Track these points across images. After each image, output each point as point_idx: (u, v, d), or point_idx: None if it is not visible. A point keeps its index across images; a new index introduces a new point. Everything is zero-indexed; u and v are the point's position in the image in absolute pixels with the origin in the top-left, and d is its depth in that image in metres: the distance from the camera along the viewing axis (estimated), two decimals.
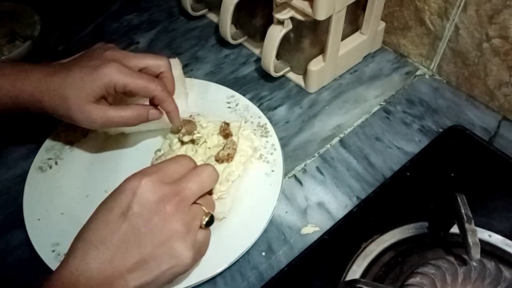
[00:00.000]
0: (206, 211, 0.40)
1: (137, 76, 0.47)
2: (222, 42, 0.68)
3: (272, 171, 0.52)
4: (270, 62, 0.59)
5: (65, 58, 0.66)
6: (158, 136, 0.56)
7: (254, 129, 0.56)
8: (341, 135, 0.58)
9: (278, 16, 0.54)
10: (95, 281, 0.35)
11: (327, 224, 0.49)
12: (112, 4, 0.76)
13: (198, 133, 0.52)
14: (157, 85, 0.48)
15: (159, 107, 0.50)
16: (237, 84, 0.63)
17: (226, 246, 0.46)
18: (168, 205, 0.37)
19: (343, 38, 0.60)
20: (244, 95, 0.60)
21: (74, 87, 0.45)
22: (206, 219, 0.39)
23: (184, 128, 0.52)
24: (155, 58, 0.50)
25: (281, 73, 0.63)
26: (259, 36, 0.65)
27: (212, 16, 0.73)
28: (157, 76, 0.50)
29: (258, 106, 0.59)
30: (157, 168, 0.39)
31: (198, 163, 0.51)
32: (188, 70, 0.66)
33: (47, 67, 0.47)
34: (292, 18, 0.55)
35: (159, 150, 0.53)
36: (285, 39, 0.57)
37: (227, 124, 0.54)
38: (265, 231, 0.48)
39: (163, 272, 0.37)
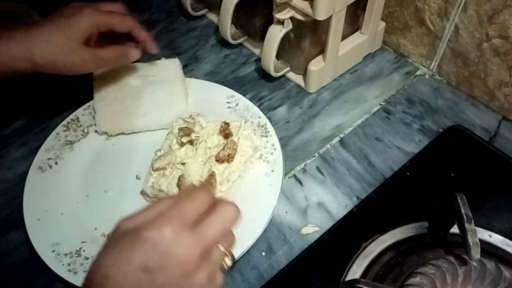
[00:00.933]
0: (227, 252, 0.38)
1: (113, 14, 0.53)
2: (222, 42, 0.68)
3: (272, 171, 0.52)
4: (270, 62, 0.59)
5: None
6: (158, 136, 0.56)
7: (254, 129, 0.56)
8: (341, 135, 0.58)
9: (278, 16, 0.54)
10: None
11: (327, 224, 0.49)
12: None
13: (197, 133, 0.52)
14: (131, 18, 0.54)
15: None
16: (237, 84, 0.63)
17: None
18: (191, 260, 0.35)
19: (343, 38, 0.60)
20: (244, 95, 0.60)
21: (63, 32, 0.49)
22: (229, 263, 0.38)
23: (181, 131, 0.52)
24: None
25: (281, 73, 0.63)
26: (259, 36, 0.65)
27: (212, 16, 0.73)
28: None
29: (258, 106, 0.59)
30: (175, 211, 0.36)
31: (198, 163, 0.51)
32: (188, 70, 0.66)
33: (27, 26, 0.50)
34: (292, 18, 0.55)
35: (159, 150, 0.53)
36: (285, 39, 0.57)
37: (227, 124, 0.54)
38: (265, 231, 0.48)
39: None
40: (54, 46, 0.49)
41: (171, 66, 0.62)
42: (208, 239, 0.36)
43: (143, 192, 0.51)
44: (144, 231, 0.34)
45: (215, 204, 0.38)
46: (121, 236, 0.35)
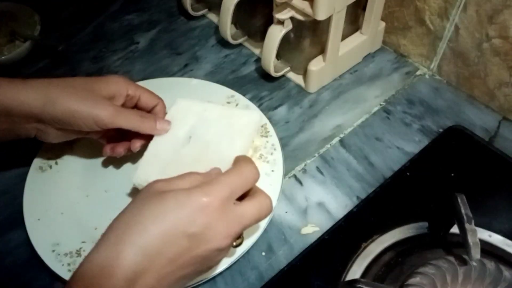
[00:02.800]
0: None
1: (143, 87, 0.50)
2: (222, 42, 0.68)
3: (272, 171, 0.52)
4: (270, 62, 0.59)
5: (65, 58, 0.67)
6: None
7: None
8: (341, 135, 0.58)
9: (278, 16, 0.54)
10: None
11: (327, 224, 0.49)
12: (112, 4, 0.76)
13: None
14: (159, 98, 0.51)
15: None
16: (237, 84, 0.63)
17: None
18: (226, 239, 0.36)
19: (343, 38, 0.60)
20: (244, 95, 0.60)
21: (89, 86, 0.46)
22: (239, 242, 0.41)
23: None
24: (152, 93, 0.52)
25: (281, 73, 0.63)
26: (259, 36, 0.65)
27: (212, 16, 0.73)
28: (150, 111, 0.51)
29: (258, 106, 0.59)
30: (224, 184, 0.36)
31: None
32: (188, 70, 0.66)
33: (41, 80, 0.46)
34: (292, 18, 0.55)
35: None
36: (285, 39, 0.57)
37: None
38: (265, 231, 0.48)
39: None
40: (77, 94, 0.45)
41: (245, 121, 0.52)
42: (244, 224, 0.37)
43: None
44: (194, 195, 0.34)
45: (255, 189, 0.39)
46: (158, 195, 0.34)
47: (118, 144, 0.51)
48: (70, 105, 0.44)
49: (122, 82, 0.49)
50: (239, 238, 0.41)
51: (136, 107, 0.51)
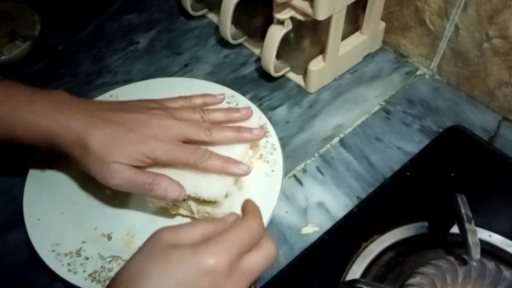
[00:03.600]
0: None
1: (179, 150, 0.46)
2: (222, 42, 0.68)
3: (272, 171, 0.52)
4: (270, 62, 0.59)
5: (65, 58, 0.66)
6: None
7: None
8: (341, 135, 0.58)
9: (278, 16, 0.54)
10: None
11: (327, 224, 0.49)
12: (112, 4, 0.76)
13: None
14: (196, 156, 0.45)
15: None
16: (237, 84, 0.63)
17: None
18: None
19: (343, 38, 0.60)
20: (244, 95, 0.60)
21: (129, 139, 0.44)
22: None
23: None
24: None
25: (281, 73, 0.63)
26: (259, 36, 0.64)
27: (212, 16, 0.73)
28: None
29: (258, 106, 0.59)
30: (232, 241, 0.34)
31: None
32: (188, 70, 0.66)
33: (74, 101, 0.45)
34: (292, 18, 0.55)
35: None
36: (285, 39, 0.57)
37: None
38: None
39: None
40: (107, 139, 0.43)
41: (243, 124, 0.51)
42: (252, 279, 0.35)
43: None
44: (200, 255, 0.32)
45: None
46: (164, 251, 0.33)
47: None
48: (94, 147, 0.44)
49: (158, 153, 0.45)
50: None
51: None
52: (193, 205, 0.47)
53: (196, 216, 0.47)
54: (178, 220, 0.49)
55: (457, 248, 0.44)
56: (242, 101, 0.59)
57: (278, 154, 0.53)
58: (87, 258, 0.46)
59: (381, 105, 0.61)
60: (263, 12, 0.62)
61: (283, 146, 0.55)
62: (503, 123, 0.58)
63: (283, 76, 0.64)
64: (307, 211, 0.51)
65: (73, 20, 0.73)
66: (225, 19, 0.61)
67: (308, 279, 0.45)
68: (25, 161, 0.54)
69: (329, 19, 0.54)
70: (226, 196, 0.46)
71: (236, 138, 0.48)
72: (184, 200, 0.46)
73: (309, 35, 0.58)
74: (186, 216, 0.48)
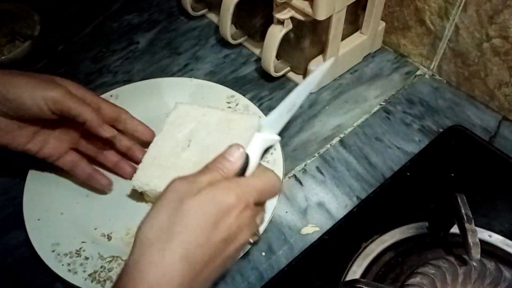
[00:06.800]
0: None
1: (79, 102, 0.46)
2: (222, 42, 0.68)
3: (272, 171, 0.52)
4: (270, 62, 0.59)
5: (65, 58, 0.66)
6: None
7: None
8: (341, 135, 0.58)
9: (278, 16, 0.54)
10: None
11: (327, 224, 0.49)
12: (112, 4, 0.76)
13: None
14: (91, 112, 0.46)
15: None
16: (237, 84, 0.63)
17: None
18: (249, 236, 0.38)
19: (343, 38, 0.60)
20: (244, 95, 0.60)
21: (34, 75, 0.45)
22: (255, 238, 0.43)
23: None
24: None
25: (281, 73, 0.63)
26: (259, 36, 0.65)
27: (212, 16, 0.73)
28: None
29: (258, 106, 0.59)
30: (259, 191, 0.38)
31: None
32: (188, 70, 0.66)
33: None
34: (292, 18, 0.55)
35: None
36: (285, 39, 0.57)
37: None
38: (265, 231, 0.48)
39: None
40: (28, 75, 0.45)
41: (244, 126, 0.52)
42: (259, 221, 0.39)
43: (142, 193, 0.51)
44: (230, 197, 0.35)
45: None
46: (185, 203, 0.34)
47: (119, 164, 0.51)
48: (19, 82, 0.44)
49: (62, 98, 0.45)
50: (255, 235, 0.42)
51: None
52: None
53: None
54: None
55: (457, 248, 0.44)
56: (242, 101, 0.59)
57: (278, 154, 0.53)
58: (87, 258, 0.46)
59: (381, 105, 0.61)
60: (263, 12, 0.62)
61: (283, 146, 0.55)
62: (503, 123, 0.58)
63: (283, 76, 0.64)
64: (307, 211, 0.51)
65: (73, 20, 0.73)
66: (225, 19, 0.61)
67: (308, 279, 0.45)
68: (25, 161, 0.54)
69: (329, 19, 0.54)
70: None
71: None
72: None
73: (309, 35, 0.58)
74: None
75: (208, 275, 0.35)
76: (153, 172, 0.48)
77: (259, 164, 0.42)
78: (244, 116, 0.54)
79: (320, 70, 0.46)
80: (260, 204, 0.39)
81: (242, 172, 0.39)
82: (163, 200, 0.35)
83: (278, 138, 0.45)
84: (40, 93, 0.43)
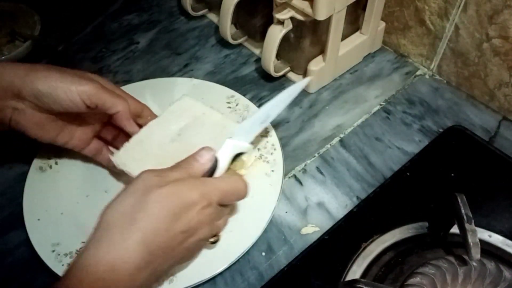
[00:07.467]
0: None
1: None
2: (222, 42, 0.68)
3: (272, 171, 0.52)
4: (270, 62, 0.59)
5: (65, 58, 0.66)
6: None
7: None
8: (341, 135, 0.58)
9: (278, 16, 0.54)
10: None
11: (327, 224, 0.49)
12: (112, 4, 0.76)
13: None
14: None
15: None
16: (237, 84, 0.63)
17: (226, 246, 0.46)
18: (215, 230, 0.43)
19: (343, 38, 0.60)
20: (244, 95, 0.60)
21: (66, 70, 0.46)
22: (215, 239, 0.45)
23: None
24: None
25: (281, 73, 0.63)
26: (259, 36, 0.65)
27: (212, 16, 0.73)
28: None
29: (258, 106, 0.59)
30: (223, 192, 0.40)
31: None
32: (188, 70, 0.66)
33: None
34: (292, 18, 0.55)
35: None
36: (285, 39, 0.57)
37: None
38: (265, 231, 0.48)
39: None
40: (61, 70, 0.45)
41: (187, 105, 0.53)
42: (222, 226, 0.43)
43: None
44: (193, 192, 0.38)
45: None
46: (154, 192, 0.37)
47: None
48: (53, 77, 0.44)
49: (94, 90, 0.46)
50: (215, 236, 0.44)
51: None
52: None
53: None
54: None
55: (457, 248, 0.44)
56: (242, 101, 0.59)
57: (278, 154, 0.53)
58: None
59: (381, 105, 0.61)
60: (263, 12, 0.62)
61: (283, 146, 0.55)
62: (503, 123, 0.58)
63: (283, 76, 0.64)
64: (307, 211, 0.51)
65: (73, 20, 0.73)
66: (225, 19, 0.61)
67: (308, 279, 0.45)
68: (25, 161, 0.54)
69: (329, 19, 0.54)
70: None
71: None
72: None
73: (309, 35, 0.58)
74: None
75: (164, 262, 0.37)
76: (134, 155, 0.48)
77: (229, 169, 0.44)
78: (239, 124, 0.53)
79: (296, 87, 0.50)
80: (224, 206, 0.42)
81: (210, 173, 0.42)
82: (131, 188, 0.38)
83: (249, 146, 0.47)
84: (74, 88, 0.45)
